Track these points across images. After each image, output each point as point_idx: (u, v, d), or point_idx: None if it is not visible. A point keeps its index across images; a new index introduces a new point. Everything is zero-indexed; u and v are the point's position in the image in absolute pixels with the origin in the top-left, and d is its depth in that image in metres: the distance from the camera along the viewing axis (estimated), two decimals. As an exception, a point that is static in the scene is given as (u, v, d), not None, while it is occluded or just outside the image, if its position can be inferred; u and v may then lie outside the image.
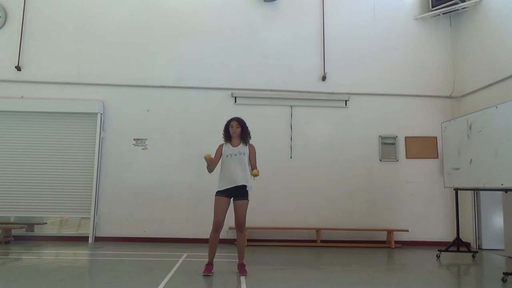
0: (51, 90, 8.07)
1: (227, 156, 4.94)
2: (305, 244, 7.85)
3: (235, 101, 8.28)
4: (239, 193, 4.90)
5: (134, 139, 8.10)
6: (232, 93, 8.28)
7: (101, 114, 8.01)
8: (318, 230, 7.88)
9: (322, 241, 7.84)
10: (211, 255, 4.95)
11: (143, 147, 8.10)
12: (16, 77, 8.08)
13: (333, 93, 8.43)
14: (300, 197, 8.09)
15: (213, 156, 4.97)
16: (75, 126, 8.03)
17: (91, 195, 7.82)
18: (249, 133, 5.09)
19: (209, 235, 4.92)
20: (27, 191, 7.82)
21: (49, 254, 6.52)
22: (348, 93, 8.46)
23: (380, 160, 8.35)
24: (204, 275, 4.82)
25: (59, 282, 4.49)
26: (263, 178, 7.91)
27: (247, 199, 4.95)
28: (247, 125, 5.13)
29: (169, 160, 8.05)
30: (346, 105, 8.45)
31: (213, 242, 4.92)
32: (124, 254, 6.54)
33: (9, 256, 6.24)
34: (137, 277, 4.80)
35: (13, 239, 7.56)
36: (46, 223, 8.78)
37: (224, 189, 4.88)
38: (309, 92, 8.41)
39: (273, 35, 8.51)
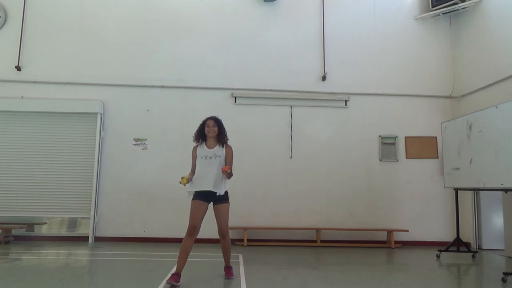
0: (51, 90, 8.07)
1: (201, 158, 4.57)
2: (305, 244, 7.84)
3: (235, 101, 8.27)
4: (217, 197, 4.50)
5: (134, 139, 8.10)
6: (232, 93, 8.28)
7: (101, 114, 8.00)
8: (318, 230, 7.88)
9: (322, 241, 7.84)
10: (180, 264, 4.35)
11: (143, 147, 8.10)
12: (16, 77, 8.08)
13: (333, 93, 8.43)
14: (300, 197, 8.09)
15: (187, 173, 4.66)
16: (75, 126, 8.03)
17: (91, 195, 7.81)
18: (226, 134, 4.68)
19: (182, 241, 4.42)
20: (27, 191, 7.81)
21: (49, 254, 6.52)
22: (348, 93, 8.45)
23: (380, 160, 8.35)
24: (167, 282, 4.27)
25: (59, 282, 4.49)
26: (263, 178, 8.04)
27: (228, 202, 4.57)
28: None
29: (169, 160, 8.03)
30: (346, 105, 8.45)
31: (185, 248, 4.38)
32: (124, 254, 6.54)
33: (9, 256, 6.23)
34: (137, 277, 4.80)
35: (13, 239, 7.56)
36: (46, 223, 8.79)
37: (199, 193, 4.49)
38: (309, 92, 8.41)
39: (273, 35, 8.51)
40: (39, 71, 8.10)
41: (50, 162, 7.91)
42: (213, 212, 4.57)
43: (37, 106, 7.95)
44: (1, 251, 6.56)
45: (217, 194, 4.49)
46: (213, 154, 4.56)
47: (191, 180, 4.56)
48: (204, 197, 4.51)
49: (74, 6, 8.35)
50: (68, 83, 8.12)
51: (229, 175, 4.47)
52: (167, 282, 4.27)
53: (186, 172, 7.78)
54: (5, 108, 7.94)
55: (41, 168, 7.88)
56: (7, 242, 7.32)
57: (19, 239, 7.68)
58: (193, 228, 4.41)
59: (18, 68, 8.07)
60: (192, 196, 4.57)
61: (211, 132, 4.61)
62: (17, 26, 8.16)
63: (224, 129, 4.68)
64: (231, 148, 4.69)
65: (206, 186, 4.48)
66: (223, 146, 4.64)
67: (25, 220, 8.16)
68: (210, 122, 4.63)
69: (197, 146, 4.72)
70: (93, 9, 8.37)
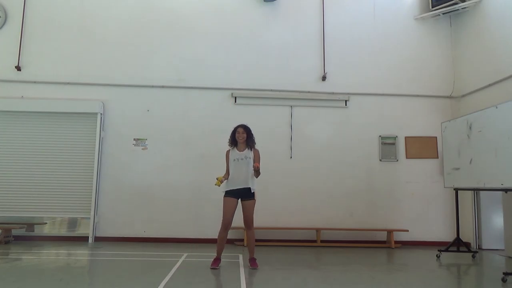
0: (51, 90, 8.07)
1: (234, 160, 5.33)
2: (305, 244, 7.85)
3: (235, 101, 8.28)
4: (246, 194, 5.30)
5: (134, 139, 8.10)
6: (232, 93, 8.28)
7: (101, 114, 8.00)
8: (318, 230, 7.88)
9: (322, 241, 7.84)
10: (219, 251, 5.37)
11: (143, 147, 8.10)
12: (16, 77, 8.08)
13: (333, 93, 8.43)
14: (300, 197, 8.09)
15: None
16: (75, 126, 8.02)
17: (91, 195, 7.81)
18: (254, 139, 5.45)
19: (218, 233, 5.35)
20: (27, 191, 7.81)
21: (49, 254, 6.52)
22: (348, 93, 8.46)
23: (380, 160, 8.36)
24: (211, 268, 5.21)
25: (59, 282, 4.49)
26: (263, 178, 7.97)
27: (254, 199, 5.34)
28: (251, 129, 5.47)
29: (169, 160, 8.05)
30: (346, 105, 8.45)
31: (221, 240, 5.35)
32: (124, 254, 6.54)
33: (9, 256, 6.23)
34: (137, 277, 4.80)
35: (13, 239, 7.56)
36: (46, 223, 8.80)
37: (232, 190, 5.27)
38: (309, 92, 8.41)
39: (273, 35, 8.51)
40: (39, 71, 8.10)
41: (50, 162, 7.90)
42: (241, 208, 5.34)
43: (37, 106, 7.95)
44: (1, 251, 6.56)
45: (252, 190, 5.28)
46: (244, 156, 5.34)
47: (227, 180, 5.31)
48: (235, 194, 5.30)
49: (74, 6, 8.35)
50: (68, 83, 8.12)
51: (257, 173, 5.22)
52: (210, 268, 5.20)
53: (187, 171, 7.92)
54: (5, 108, 7.94)
55: (41, 168, 7.88)
56: (7, 242, 7.32)
57: (19, 239, 7.68)
58: (227, 223, 5.28)
59: (18, 68, 8.07)
60: (224, 193, 5.35)
61: (241, 138, 5.39)
62: (17, 26, 8.16)
63: (252, 134, 5.45)
64: (258, 150, 5.48)
65: (241, 184, 5.28)
66: (251, 149, 5.40)
67: (25, 220, 8.17)
68: (240, 130, 5.41)
69: (229, 150, 5.46)
70: (93, 9, 8.37)
